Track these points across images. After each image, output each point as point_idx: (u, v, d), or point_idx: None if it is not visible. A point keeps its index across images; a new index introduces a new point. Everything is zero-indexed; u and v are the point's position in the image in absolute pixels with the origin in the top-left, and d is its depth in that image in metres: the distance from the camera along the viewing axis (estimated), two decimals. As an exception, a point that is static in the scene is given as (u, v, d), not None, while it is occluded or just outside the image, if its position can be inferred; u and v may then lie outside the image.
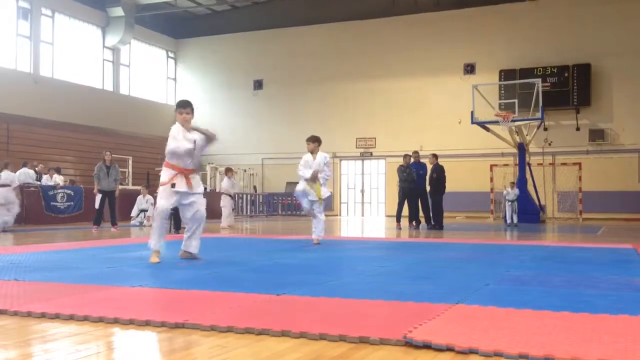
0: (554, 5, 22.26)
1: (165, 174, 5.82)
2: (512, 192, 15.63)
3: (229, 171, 15.33)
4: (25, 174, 15.62)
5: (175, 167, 5.79)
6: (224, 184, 15.17)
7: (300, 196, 8.30)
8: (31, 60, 21.11)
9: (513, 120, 16.84)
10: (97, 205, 12.82)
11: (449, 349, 2.46)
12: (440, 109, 23.27)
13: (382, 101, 24.32)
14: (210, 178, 23.81)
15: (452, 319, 2.98)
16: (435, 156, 14.12)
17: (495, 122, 17.04)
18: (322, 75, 25.31)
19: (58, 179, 16.71)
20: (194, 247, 6.01)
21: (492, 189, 20.83)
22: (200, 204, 5.90)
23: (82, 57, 23.39)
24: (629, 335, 2.64)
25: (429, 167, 14.00)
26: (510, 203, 15.59)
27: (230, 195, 15.02)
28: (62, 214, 15.68)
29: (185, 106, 5.84)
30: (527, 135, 18.01)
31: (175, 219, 11.42)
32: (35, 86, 20.92)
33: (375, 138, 24.57)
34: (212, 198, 18.43)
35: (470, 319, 2.99)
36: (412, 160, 14.10)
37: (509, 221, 15.53)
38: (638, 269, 5.41)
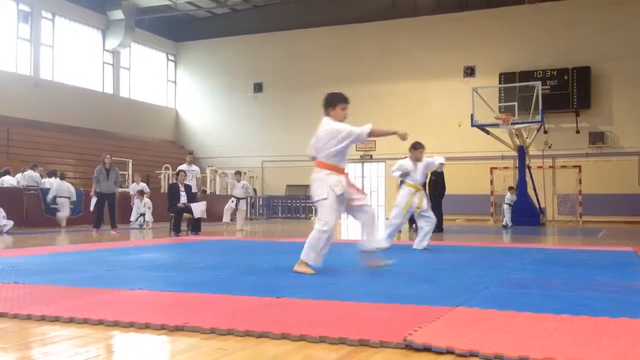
0: (554, 9, 22.28)
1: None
2: (512, 197, 15.90)
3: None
4: (29, 177, 15.55)
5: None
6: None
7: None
8: (31, 63, 21.12)
9: (513, 123, 16.86)
10: (91, 208, 12.80)
11: (449, 352, 2.46)
12: (440, 111, 23.26)
13: (382, 104, 24.30)
14: (210, 180, 23.81)
15: (452, 322, 2.97)
16: (435, 159, 14.12)
17: (495, 125, 17.06)
18: (322, 78, 25.27)
19: (47, 182, 15.74)
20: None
21: (492, 192, 20.82)
22: None
23: (82, 60, 23.41)
24: (629, 338, 2.64)
25: (429, 170, 13.99)
26: (509, 207, 15.81)
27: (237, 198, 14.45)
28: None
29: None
30: (527, 138, 18.02)
31: (175, 222, 11.41)
32: (36, 89, 20.93)
33: (375, 141, 24.53)
34: (212, 200, 18.44)
35: (471, 321, 2.98)
36: (412, 163, 14.08)
37: (510, 224, 15.62)
38: (638, 272, 5.41)
